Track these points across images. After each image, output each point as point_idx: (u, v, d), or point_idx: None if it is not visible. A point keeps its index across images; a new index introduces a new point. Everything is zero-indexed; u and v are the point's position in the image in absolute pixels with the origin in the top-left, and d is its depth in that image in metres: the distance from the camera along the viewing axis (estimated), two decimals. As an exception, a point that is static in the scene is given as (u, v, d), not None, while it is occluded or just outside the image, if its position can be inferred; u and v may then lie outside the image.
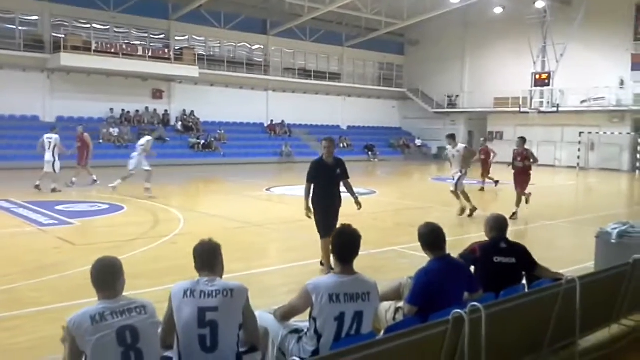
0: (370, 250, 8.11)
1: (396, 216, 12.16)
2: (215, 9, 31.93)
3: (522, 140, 13.07)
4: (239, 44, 34.74)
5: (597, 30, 30.77)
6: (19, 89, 26.09)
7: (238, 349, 3.26)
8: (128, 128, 28.83)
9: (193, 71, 29.94)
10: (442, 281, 4.05)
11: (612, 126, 31.14)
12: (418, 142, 39.49)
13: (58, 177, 15.73)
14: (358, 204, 7.66)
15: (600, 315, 4.96)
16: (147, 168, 15.40)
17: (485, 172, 18.95)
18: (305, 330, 3.66)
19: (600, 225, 6.70)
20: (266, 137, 34.22)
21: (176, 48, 30.84)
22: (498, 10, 33.51)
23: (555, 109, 31.67)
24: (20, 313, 5.67)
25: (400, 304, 4.33)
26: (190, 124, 31.44)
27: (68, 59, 25.94)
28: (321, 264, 7.46)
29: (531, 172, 12.96)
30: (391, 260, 8.43)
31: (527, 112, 32.59)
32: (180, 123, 31.32)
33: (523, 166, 12.75)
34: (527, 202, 13.11)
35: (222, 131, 31.77)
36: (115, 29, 29.95)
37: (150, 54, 28.69)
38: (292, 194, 15.64)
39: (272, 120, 35.01)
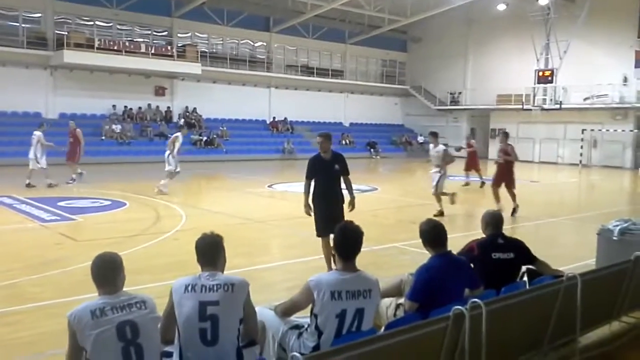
0: (372, 246, 8.12)
1: (398, 213, 12.16)
2: (218, 6, 31.91)
3: (505, 135, 12.82)
4: (242, 41, 34.73)
5: (600, 27, 30.67)
6: (22, 86, 26.15)
7: (238, 343, 3.26)
8: (130, 125, 28.88)
9: (196, 68, 29.95)
10: (443, 278, 4.06)
11: (615, 123, 31.06)
12: (420, 139, 39.42)
13: (49, 172, 15.74)
14: (351, 204, 7.25)
15: (601, 312, 4.95)
16: (175, 168, 15.46)
17: (470, 167, 18.76)
18: (306, 326, 3.66)
19: (602, 222, 6.70)
20: (268, 134, 34.23)
21: (179, 45, 30.86)
22: (501, 7, 33.39)
23: (558, 106, 31.63)
24: (21, 308, 5.69)
25: (401, 300, 4.33)
26: (193, 120, 31.45)
27: (71, 56, 25.98)
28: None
29: (514, 168, 12.62)
30: (392, 256, 8.44)
31: (530, 109, 32.57)
32: (182, 120, 31.33)
33: (504, 162, 12.42)
34: (513, 201, 12.41)
35: (225, 128, 31.79)
36: (118, 26, 29.96)
37: (153, 51, 28.71)
38: (294, 190, 15.64)
39: (274, 117, 35.01)
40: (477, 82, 37.65)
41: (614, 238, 6.07)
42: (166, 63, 28.92)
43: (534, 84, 32.23)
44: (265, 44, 35.54)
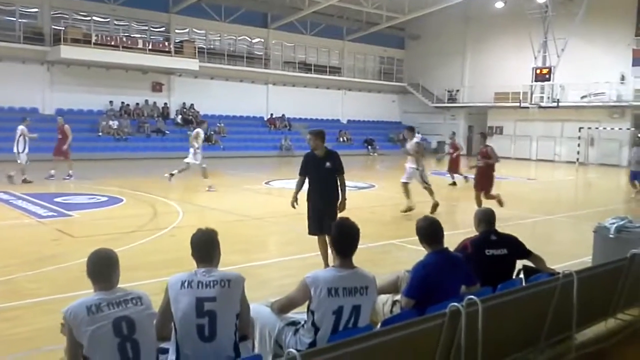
0: (369, 243, 8.13)
1: (395, 210, 12.15)
2: (216, 2, 31.85)
3: (483, 136, 12.48)
4: (239, 37, 34.67)
5: (598, 25, 30.71)
6: (19, 81, 26.05)
7: (236, 338, 3.27)
8: (128, 121, 28.81)
9: (193, 64, 29.88)
10: (440, 274, 4.06)
11: (612, 121, 31.13)
12: (418, 136, 39.41)
13: (25, 168, 15.73)
14: (341, 205, 6.96)
15: (597, 309, 4.97)
16: (188, 161, 15.66)
17: (454, 167, 18.62)
18: (303, 322, 3.67)
19: (598, 220, 6.71)
20: (266, 130, 34.20)
21: (176, 41, 30.78)
22: (499, 4, 33.42)
23: (555, 104, 31.67)
24: (18, 304, 5.68)
25: (398, 297, 4.34)
26: (190, 117, 31.38)
27: (68, 52, 25.87)
28: None
29: (494, 172, 12.00)
30: (389, 253, 8.45)
31: (527, 107, 32.60)
32: (180, 116, 31.29)
33: (484, 165, 11.82)
34: (500, 204, 11.61)
35: (222, 124, 31.74)
36: (116, 22, 29.87)
37: (150, 47, 28.61)
38: (291, 187, 15.51)
39: (272, 114, 34.97)
40: (475, 79, 37.67)
41: (610, 236, 6.08)
42: (163, 59, 28.84)
43: (532, 81, 32.28)
44: (262, 40, 35.47)
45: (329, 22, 36.57)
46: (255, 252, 8.52)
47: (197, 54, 30.39)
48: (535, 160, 34.03)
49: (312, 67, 37.04)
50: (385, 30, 38.40)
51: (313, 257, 7.52)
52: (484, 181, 11.89)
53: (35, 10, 27.67)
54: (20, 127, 15.98)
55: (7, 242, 8.81)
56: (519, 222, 11.08)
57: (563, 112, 31.99)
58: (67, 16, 28.38)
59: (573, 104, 31.83)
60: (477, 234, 4.93)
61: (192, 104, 31.81)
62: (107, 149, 26.82)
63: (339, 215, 6.77)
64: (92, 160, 24.72)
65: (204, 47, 32.49)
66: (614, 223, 6.18)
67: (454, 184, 18.07)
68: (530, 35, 31.31)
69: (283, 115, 35.12)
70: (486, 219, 4.90)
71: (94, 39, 26.77)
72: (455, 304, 3.40)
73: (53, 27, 27.25)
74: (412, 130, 12.57)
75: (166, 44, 29.85)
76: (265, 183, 18.05)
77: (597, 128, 31.43)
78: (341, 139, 35.10)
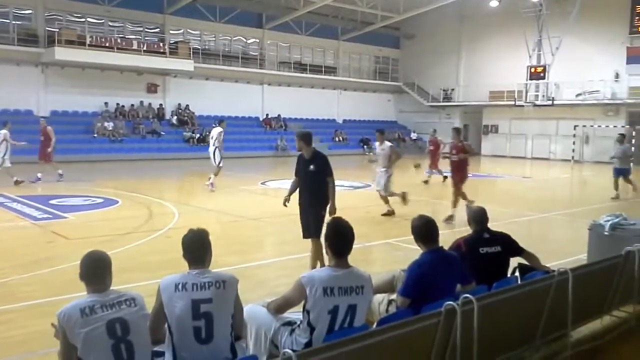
0: (364, 243, 8.13)
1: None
2: (210, 2, 31.79)
3: (457, 131, 12.07)
4: (234, 38, 34.63)
5: (592, 23, 30.81)
6: (13, 83, 25.96)
7: (232, 338, 3.27)
8: (123, 122, 28.73)
9: (188, 65, 29.84)
10: (435, 273, 4.07)
11: (607, 119, 31.21)
12: (413, 135, 39.50)
13: (12, 171, 15.65)
14: (331, 209, 6.67)
15: (593, 306, 4.98)
16: (219, 163, 15.50)
17: (434, 164, 18.61)
18: (298, 322, 3.66)
19: (593, 217, 6.73)
20: (262, 131, 34.17)
21: (171, 42, 30.74)
22: (494, 3, 33.51)
23: (550, 103, 31.76)
24: (13, 307, 5.67)
25: (393, 296, 4.34)
26: (186, 118, 31.36)
27: (62, 53, 25.79)
28: None
29: (468, 166, 11.75)
30: (385, 252, 8.46)
31: (522, 106, 32.68)
32: (175, 117, 31.24)
33: (458, 160, 11.58)
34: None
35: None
36: (110, 23, 29.79)
37: (145, 48, 28.56)
38: (287, 187, 15.58)
39: (267, 114, 34.95)
40: (470, 78, 37.74)
41: (605, 233, 6.11)
42: (158, 60, 28.78)
43: (526, 80, 32.37)
44: (258, 40, 35.45)
45: (324, 22, 36.57)
46: (251, 253, 8.51)
47: (192, 55, 30.34)
48: (531, 158, 34.11)
49: (308, 67, 37.03)
50: (380, 30, 38.42)
51: (309, 257, 7.52)
52: (459, 176, 11.63)
53: (29, 11, 27.57)
54: (3, 132, 15.78)
55: (1, 244, 8.78)
56: (515, 220, 11.10)
57: (558, 110, 32.08)
58: (61, 17, 28.29)
59: (568, 102, 31.93)
60: (469, 232, 4.94)
61: (187, 105, 31.77)
62: (103, 150, 26.77)
63: (328, 218, 6.70)
64: (87, 162, 24.68)
65: (199, 47, 32.44)
66: (608, 220, 6.20)
67: (446, 178, 17.95)
68: (525, 34, 31.37)
69: (279, 115, 35.10)
70: (478, 218, 4.91)
71: (88, 41, 26.69)
72: (451, 302, 3.40)
73: (47, 28, 27.20)
74: (382, 133, 12.20)
75: (161, 44, 29.80)
76: (261, 183, 18.04)
77: (592, 126, 31.52)
78: (337, 139, 35.11)
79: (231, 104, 33.06)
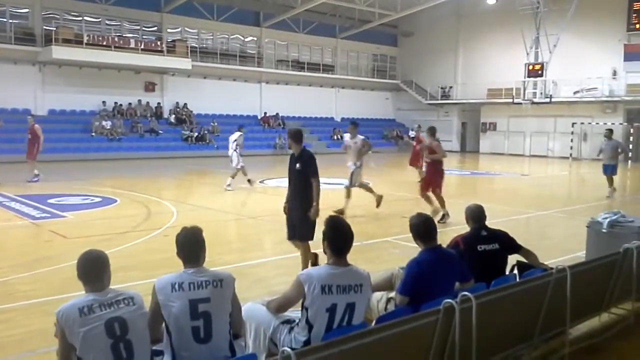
0: (363, 241, 8.14)
1: (388, 207, 12.14)
2: (208, 0, 31.78)
3: (431, 131, 11.53)
4: (232, 36, 34.60)
5: (590, 21, 30.83)
6: (11, 82, 25.91)
7: (230, 337, 3.26)
8: (121, 121, 28.71)
9: (186, 63, 29.81)
10: (434, 271, 4.07)
11: (604, 116, 31.25)
12: (412, 133, 39.43)
13: None
14: (313, 212, 6.40)
15: (591, 304, 4.99)
16: (241, 164, 15.71)
17: (414, 160, 17.61)
18: (297, 320, 3.66)
19: (591, 215, 6.74)
20: (260, 129, 34.15)
21: (169, 40, 30.69)
22: (491, 1, 33.55)
23: (548, 100, 31.78)
24: (12, 306, 5.66)
25: (392, 294, 4.34)
26: (184, 116, 31.34)
27: (60, 52, 25.76)
28: None
29: (442, 167, 11.17)
30: (383, 250, 8.45)
31: (520, 103, 32.72)
32: (173, 116, 31.22)
33: (431, 162, 11.18)
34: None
35: (216, 123, 31.68)
36: (107, 22, 29.75)
37: (142, 47, 28.52)
38: (286, 186, 15.59)
39: (265, 113, 34.93)
40: (468, 76, 37.76)
41: (603, 230, 6.11)
42: (156, 58, 28.76)
43: (524, 77, 32.39)
44: (255, 38, 35.42)
45: (321, 20, 36.56)
46: (250, 251, 8.51)
47: (189, 53, 30.32)
48: (529, 156, 34.14)
49: (305, 65, 37.01)
50: (378, 28, 38.42)
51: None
52: (432, 179, 11.06)
53: (26, 10, 27.52)
54: None
55: (0, 243, 8.77)
56: (513, 218, 11.12)
57: (556, 107, 32.11)
58: (58, 16, 28.24)
59: (566, 99, 31.96)
60: (467, 230, 4.95)
61: (185, 104, 31.74)
62: (101, 149, 26.75)
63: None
64: (85, 160, 24.66)
65: (197, 46, 32.41)
66: (606, 218, 6.21)
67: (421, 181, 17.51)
68: (522, 32, 31.39)
69: (277, 113, 35.08)
70: (475, 216, 4.92)
71: (85, 39, 26.66)
72: (449, 300, 3.41)
73: (44, 27, 27.15)
74: (355, 125, 11.95)
75: (158, 43, 29.75)
76: (260, 182, 18.01)
77: (590, 123, 31.56)
78: (335, 137, 35.08)
79: (229, 103, 33.06)
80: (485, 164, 29.39)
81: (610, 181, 15.11)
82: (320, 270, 3.63)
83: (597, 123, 31.22)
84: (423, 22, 38.25)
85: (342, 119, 38.79)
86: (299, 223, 6.45)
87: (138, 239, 8.92)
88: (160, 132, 29.69)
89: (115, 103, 29.48)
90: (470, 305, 3.46)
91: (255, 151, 30.68)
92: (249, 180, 15.78)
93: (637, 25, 30.31)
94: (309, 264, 6.32)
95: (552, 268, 4.36)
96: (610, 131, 15.88)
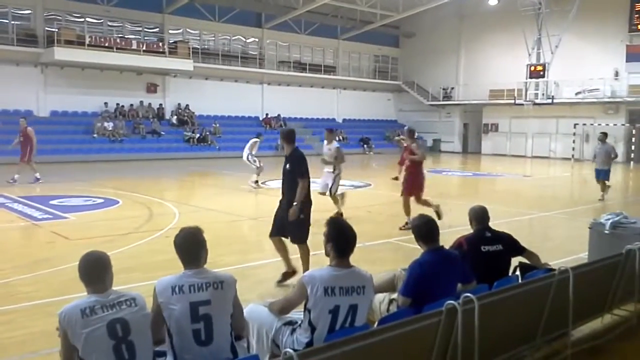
0: (365, 242, 8.13)
1: (391, 208, 12.13)
2: (210, 2, 31.81)
3: (410, 132, 11.10)
4: (234, 37, 34.63)
5: (591, 21, 30.80)
6: (13, 83, 25.96)
7: (232, 338, 3.25)
8: (123, 122, 28.74)
9: (187, 65, 29.84)
10: (436, 273, 4.06)
11: (606, 117, 31.22)
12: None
13: None
14: (291, 211, 6.32)
15: (593, 305, 4.98)
16: (257, 164, 16.18)
17: (402, 162, 17.60)
18: (300, 322, 3.66)
19: (594, 216, 6.73)
20: (261, 130, 34.09)
21: (170, 42, 30.73)
22: (493, 2, 33.52)
23: (550, 101, 31.75)
24: (14, 307, 5.66)
25: (394, 295, 4.34)
26: (185, 117, 31.36)
27: (62, 53, 25.79)
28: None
29: (423, 169, 10.69)
30: (386, 252, 8.45)
31: (522, 104, 32.69)
32: (175, 117, 31.24)
33: (411, 163, 10.56)
34: (438, 216, 9.52)
35: (217, 125, 31.71)
36: (109, 23, 29.80)
37: (144, 48, 28.56)
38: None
39: (267, 114, 34.94)
40: (470, 77, 37.74)
41: (606, 232, 6.10)
42: (158, 60, 28.79)
43: (526, 78, 32.37)
44: (257, 40, 35.44)
45: (323, 21, 36.56)
46: (251, 252, 8.51)
47: (191, 55, 30.34)
48: (531, 157, 34.10)
49: (307, 67, 37.03)
50: (380, 29, 38.43)
51: (310, 257, 7.52)
52: (411, 183, 10.37)
53: (29, 11, 27.57)
54: None
55: (2, 245, 8.79)
56: (515, 219, 11.10)
57: (558, 108, 32.08)
58: (60, 18, 28.29)
59: (568, 100, 31.93)
60: (471, 231, 4.94)
61: (187, 105, 31.77)
62: (103, 150, 26.77)
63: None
64: (87, 162, 24.68)
65: (198, 47, 32.44)
66: (609, 219, 6.20)
67: (397, 178, 17.20)
68: (524, 33, 31.37)
69: (278, 115, 35.08)
70: (479, 217, 4.92)
71: (87, 41, 26.69)
72: (452, 301, 3.40)
73: (46, 28, 27.20)
74: (331, 131, 11.52)
75: (160, 44, 29.80)
76: (262, 183, 18.00)
77: (592, 124, 31.51)
78: (337, 138, 34.99)
79: (231, 104, 33.09)
80: (487, 165, 29.36)
81: (603, 186, 14.73)
82: (323, 272, 3.63)
83: (599, 124, 31.16)
84: (425, 23, 38.25)
85: (344, 120, 38.82)
86: (293, 226, 6.41)
87: (140, 240, 8.92)
88: (162, 133, 29.71)
89: (117, 104, 29.51)
90: (473, 306, 3.46)
91: (256, 152, 30.67)
92: (256, 182, 15.90)
93: (639, 26, 30.28)
94: (301, 269, 6.27)
95: (554, 269, 4.35)
96: (605, 134, 15.38)
